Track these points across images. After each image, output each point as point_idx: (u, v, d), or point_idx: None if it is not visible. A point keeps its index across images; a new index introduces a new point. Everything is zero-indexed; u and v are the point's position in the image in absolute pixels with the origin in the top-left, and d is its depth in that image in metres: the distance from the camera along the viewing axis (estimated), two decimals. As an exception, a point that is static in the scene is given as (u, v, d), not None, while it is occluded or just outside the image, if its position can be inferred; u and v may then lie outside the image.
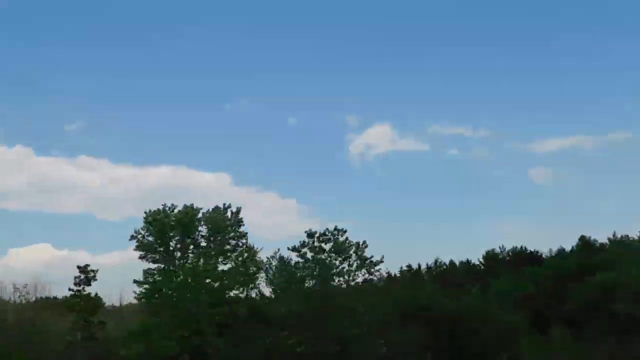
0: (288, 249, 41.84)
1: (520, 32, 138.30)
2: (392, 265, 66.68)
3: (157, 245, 42.04)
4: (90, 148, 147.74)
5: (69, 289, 39.35)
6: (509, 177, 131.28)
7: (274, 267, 42.29)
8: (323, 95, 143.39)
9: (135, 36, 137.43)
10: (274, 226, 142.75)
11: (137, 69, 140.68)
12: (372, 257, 41.63)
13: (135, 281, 40.99)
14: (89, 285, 39.04)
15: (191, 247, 42.91)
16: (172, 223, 41.68)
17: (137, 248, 42.16)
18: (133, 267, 56.84)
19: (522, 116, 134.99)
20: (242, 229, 43.23)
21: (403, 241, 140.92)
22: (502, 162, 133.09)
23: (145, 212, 42.47)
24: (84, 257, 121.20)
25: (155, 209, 42.42)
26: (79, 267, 39.36)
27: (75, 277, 38.99)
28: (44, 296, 48.59)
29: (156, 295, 40.10)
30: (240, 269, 41.72)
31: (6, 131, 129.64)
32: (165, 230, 41.67)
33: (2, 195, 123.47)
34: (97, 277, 39.26)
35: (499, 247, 56.38)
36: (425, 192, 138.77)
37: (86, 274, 39.07)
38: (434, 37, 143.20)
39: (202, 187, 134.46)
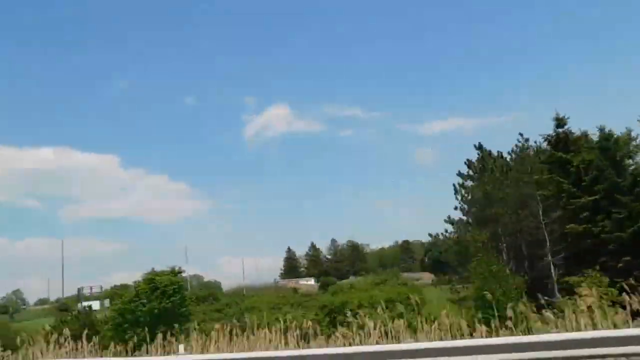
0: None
1: (406, 24, 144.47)
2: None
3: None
4: None
5: None
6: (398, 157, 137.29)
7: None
8: (222, 76, 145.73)
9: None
10: (163, 208, 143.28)
11: (18, 40, 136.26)
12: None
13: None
14: None
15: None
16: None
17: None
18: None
19: (412, 100, 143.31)
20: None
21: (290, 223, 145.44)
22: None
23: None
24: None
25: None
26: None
27: None
28: None
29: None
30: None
31: None
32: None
33: None
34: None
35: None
36: (317, 172, 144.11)
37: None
38: (330, 25, 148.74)
39: (87, 169, 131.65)
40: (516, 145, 38.21)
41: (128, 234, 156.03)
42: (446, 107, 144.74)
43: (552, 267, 30.64)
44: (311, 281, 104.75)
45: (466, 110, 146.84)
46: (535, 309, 12.98)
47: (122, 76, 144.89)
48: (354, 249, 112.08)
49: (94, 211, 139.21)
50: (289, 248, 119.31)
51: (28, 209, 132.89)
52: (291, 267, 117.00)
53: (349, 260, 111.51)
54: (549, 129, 31.00)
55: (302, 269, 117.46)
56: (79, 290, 56.46)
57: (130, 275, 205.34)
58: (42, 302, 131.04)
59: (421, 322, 12.83)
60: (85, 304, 52.67)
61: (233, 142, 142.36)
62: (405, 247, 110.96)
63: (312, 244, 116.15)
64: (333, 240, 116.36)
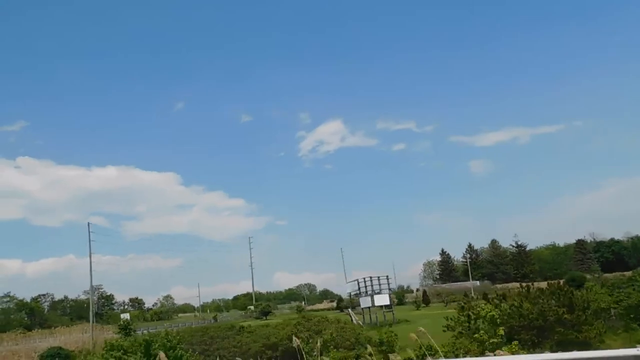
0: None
1: (458, 34, 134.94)
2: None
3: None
4: (32, 149, 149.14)
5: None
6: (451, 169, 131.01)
7: None
8: (276, 93, 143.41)
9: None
10: (221, 225, 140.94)
11: (81, 68, 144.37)
12: None
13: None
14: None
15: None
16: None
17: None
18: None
19: (463, 112, 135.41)
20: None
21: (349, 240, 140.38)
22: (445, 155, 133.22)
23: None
24: (14, 265, 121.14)
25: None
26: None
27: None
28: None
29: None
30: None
31: None
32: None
33: None
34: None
35: None
36: (371, 188, 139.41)
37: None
38: (382, 39, 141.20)
39: (149, 187, 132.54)
40: None
41: (186, 249, 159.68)
42: (500, 117, 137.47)
43: None
44: (477, 283, 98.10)
45: (520, 120, 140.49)
46: None
47: (179, 97, 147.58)
48: (520, 251, 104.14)
49: (155, 227, 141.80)
50: (442, 250, 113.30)
51: (95, 226, 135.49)
52: (447, 271, 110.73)
53: (513, 263, 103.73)
54: None
55: (458, 272, 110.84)
56: (350, 294, 52.62)
57: (188, 289, 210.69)
58: (183, 308, 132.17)
59: None
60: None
61: (289, 159, 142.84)
62: (581, 246, 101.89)
63: (470, 245, 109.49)
64: (493, 241, 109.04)
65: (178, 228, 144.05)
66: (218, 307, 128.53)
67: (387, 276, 45.64)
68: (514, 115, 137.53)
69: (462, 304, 25.84)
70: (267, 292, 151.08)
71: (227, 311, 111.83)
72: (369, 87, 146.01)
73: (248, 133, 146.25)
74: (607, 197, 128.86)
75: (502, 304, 23.28)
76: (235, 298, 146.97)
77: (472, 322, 24.67)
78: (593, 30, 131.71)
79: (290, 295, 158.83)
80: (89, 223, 58.81)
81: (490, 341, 15.00)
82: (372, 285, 45.88)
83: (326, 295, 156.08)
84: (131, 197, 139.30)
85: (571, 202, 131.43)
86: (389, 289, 45.92)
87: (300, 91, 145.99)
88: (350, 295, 53.77)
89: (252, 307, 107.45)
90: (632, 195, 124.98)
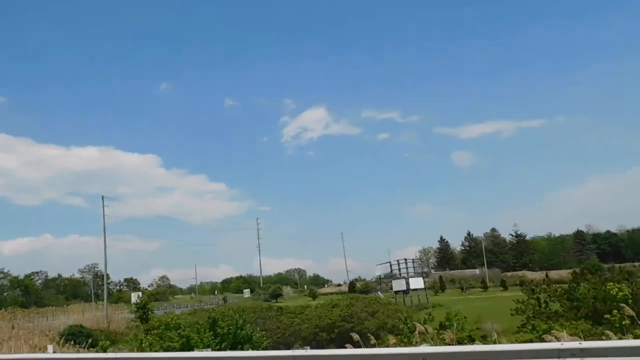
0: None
1: (455, 33, 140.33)
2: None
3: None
4: (11, 126, 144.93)
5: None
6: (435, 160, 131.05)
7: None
8: (261, 78, 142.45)
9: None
10: (201, 208, 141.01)
11: (65, 47, 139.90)
12: None
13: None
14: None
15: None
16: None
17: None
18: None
19: (448, 104, 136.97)
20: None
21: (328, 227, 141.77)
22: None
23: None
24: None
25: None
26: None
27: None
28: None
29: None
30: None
31: None
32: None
33: None
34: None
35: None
36: (357, 178, 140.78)
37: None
38: (369, 32, 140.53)
39: (129, 169, 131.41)
40: None
41: (167, 232, 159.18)
42: (484, 110, 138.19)
43: None
44: (477, 272, 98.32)
45: (504, 113, 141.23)
46: None
47: (163, 78, 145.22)
48: (519, 240, 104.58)
49: (135, 209, 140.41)
50: (441, 238, 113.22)
51: (73, 206, 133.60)
52: (446, 259, 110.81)
53: (512, 252, 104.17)
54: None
55: (457, 261, 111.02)
56: (380, 277, 51.62)
57: (169, 271, 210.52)
58: (173, 290, 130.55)
59: None
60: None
61: (271, 144, 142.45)
62: (580, 237, 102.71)
63: (469, 233, 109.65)
64: (493, 230, 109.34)
65: (159, 210, 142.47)
66: (212, 289, 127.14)
67: (420, 259, 44.97)
68: (502, 110, 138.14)
69: (532, 286, 25.19)
70: (257, 276, 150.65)
71: (222, 294, 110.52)
72: (356, 79, 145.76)
73: (231, 117, 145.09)
74: (595, 193, 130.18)
75: (580, 288, 22.52)
76: (225, 281, 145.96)
77: (543, 305, 24.05)
78: (593, 30, 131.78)
79: (281, 280, 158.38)
80: (102, 197, 56.79)
81: (623, 323, 14.05)
82: (407, 268, 45.30)
83: (317, 280, 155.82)
84: (112, 178, 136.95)
85: (561, 196, 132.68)
86: (423, 272, 45.32)
87: (288, 81, 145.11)
88: (380, 278, 53.17)
89: (247, 291, 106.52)
90: (622, 192, 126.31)
